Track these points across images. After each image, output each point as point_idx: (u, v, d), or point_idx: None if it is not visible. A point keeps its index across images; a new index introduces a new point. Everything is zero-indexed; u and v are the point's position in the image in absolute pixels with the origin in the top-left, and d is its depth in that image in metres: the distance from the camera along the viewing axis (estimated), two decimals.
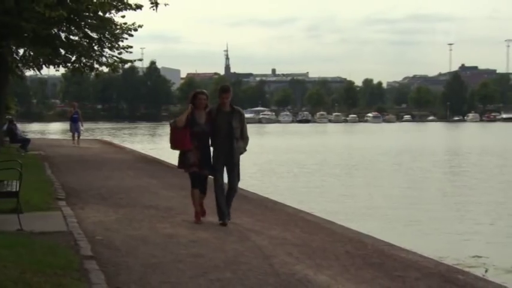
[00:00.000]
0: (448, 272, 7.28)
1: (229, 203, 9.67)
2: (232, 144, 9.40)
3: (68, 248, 7.44)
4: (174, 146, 9.57)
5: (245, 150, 9.71)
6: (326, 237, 9.05)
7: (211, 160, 9.59)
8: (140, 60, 36.80)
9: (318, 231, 9.56)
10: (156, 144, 47.19)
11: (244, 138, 9.66)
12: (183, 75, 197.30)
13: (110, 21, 21.62)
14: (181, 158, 9.53)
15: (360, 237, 9.27)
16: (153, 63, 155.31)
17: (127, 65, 26.10)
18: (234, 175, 9.58)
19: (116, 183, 14.70)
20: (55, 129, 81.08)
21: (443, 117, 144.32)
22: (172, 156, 12.52)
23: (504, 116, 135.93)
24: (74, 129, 29.16)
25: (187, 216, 10.03)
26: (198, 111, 9.46)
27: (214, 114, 9.46)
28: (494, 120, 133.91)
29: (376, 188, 20.72)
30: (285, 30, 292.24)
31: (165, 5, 17.15)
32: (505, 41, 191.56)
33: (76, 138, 29.17)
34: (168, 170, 19.06)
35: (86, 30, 21.79)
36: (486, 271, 9.17)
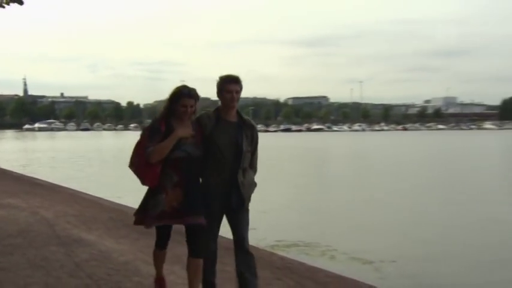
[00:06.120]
0: (178, 226, 7.40)
1: (252, 271, 3.66)
2: (237, 178, 3.58)
3: None
4: (133, 165, 3.54)
5: (256, 185, 3.75)
6: (97, 209, 8.65)
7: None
8: None
9: (92, 205, 9.11)
10: None
11: (253, 168, 3.77)
12: None
13: None
14: (145, 201, 3.58)
15: (121, 207, 9.03)
16: None
17: None
18: (244, 226, 3.68)
19: None
20: None
21: None
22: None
23: None
24: None
25: None
26: (181, 122, 3.52)
27: (210, 126, 3.60)
28: None
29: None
30: (72, 65, 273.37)
31: None
32: (215, 80, 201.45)
33: None
34: None
35: None
36: None
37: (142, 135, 3.53)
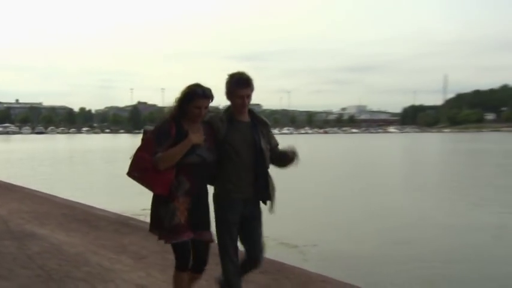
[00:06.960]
0: (125, 219, 7.18)
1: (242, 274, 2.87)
2: (267, 180, 2.90)
3: None
4: (133, 171, 2.67)
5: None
6: (50, 205, 8.19)
7: (216, 211, 2.83)
8: None
9: (45, 202, 8.61)
10: None
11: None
12: None
13: None
14: (156, 211, 2.72)
15: (73, 204, 8.61)
16: None
17: None
18: (259, 236, 2.88)
19: None
20: None
21: (129, 131, 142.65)
22: None
23: None
24: None
25: None
26: (192, 124, 2.74)
27: (223, 129, 2.80)
28: None
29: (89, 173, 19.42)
30: (27, 74, 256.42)
31: None
32: (161, 89, 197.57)
33: None
34: None
35: None
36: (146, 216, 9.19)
37: (143, 139, 2.70)
